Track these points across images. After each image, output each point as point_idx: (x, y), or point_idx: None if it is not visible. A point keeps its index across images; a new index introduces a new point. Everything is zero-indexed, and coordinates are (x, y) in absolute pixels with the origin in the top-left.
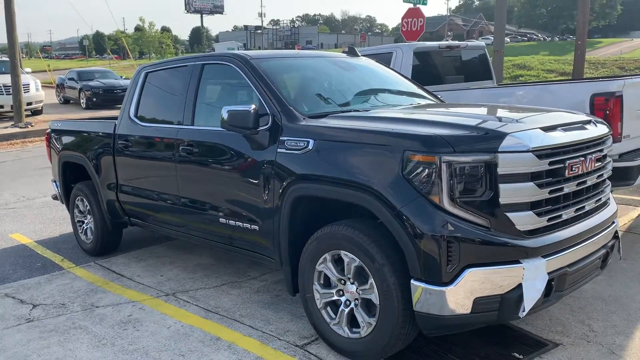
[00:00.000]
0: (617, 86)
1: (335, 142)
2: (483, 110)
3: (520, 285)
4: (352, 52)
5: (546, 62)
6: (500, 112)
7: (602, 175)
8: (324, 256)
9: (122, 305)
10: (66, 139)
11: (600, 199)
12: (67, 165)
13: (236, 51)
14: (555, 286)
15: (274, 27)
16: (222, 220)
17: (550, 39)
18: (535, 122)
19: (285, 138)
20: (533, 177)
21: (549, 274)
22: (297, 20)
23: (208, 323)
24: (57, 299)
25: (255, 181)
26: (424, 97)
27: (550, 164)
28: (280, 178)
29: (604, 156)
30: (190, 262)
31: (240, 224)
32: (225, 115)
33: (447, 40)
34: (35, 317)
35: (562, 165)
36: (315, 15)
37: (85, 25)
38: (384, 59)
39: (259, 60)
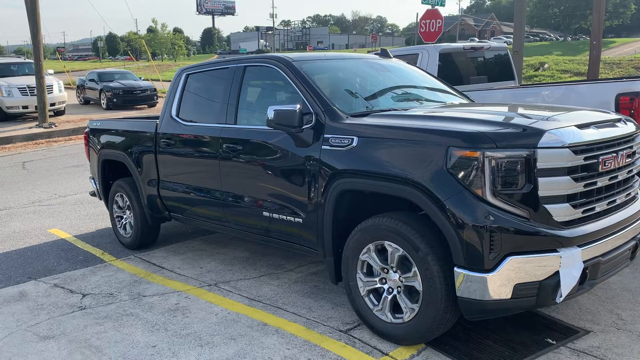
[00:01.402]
0: None
1: (380, 139)
2: (518, 109)
3: (557, 273)
4: (384, 54)
5: (560, 62)
6: (535, 111)
7: (631, 170)
8: (367, 246)
9: (168, 294)
10: (105, 138)
11: (629, 193)
12: (107, 163)
13: (276, 53)
14: (589, 274)
15: (285, 28)
16: (265, 213)
17: (562, 38)
18: (570, 120)
19: (329, 136)
20: (569, 171)
21: (583, 262)
22: (308, 20)
23: (253, 310)
24: (104, 289)
25: (300, 176)
26: (455, 96)
27: (585, 159)
28: (324, 173)
29: (634, 152)
30: (226, 255)
31: (283, 217)
32: (271, 115)
33: (478, 42)
34: (86, 305)
35: (596, 160)
36: (326, 15)
37: (98, 26)
38: (411, 59)
39: (301, 62)
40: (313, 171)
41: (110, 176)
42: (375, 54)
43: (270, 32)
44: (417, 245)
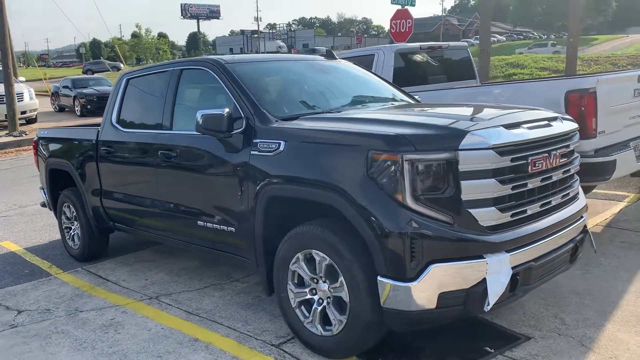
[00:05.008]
0: (590, 83)
1: (304, 143)
2: (452, 110)
3: (484, 280)
4: (329, 55)
5: (539, 60)
6: (467, 111)
7: (568, 170)
8: (296, 256)
9: (106, 309)
10: (52, 147)
11: (567, 193)
12: (54, 173)
13: (212, 56)
14: (521, 280)
15: (271, 31)
16: (200, 223)
17: (546, 37)
18: (499, 120)
19: (258, 140)
20: (495, 173)
21: (513, 268)
22: (293, 23)
23: (188, 325)
24: (42, 304)
25: (230, 184)
26: (399, 98)
27: (512, 160)
28: (253, 180)
29: (571, 152)
30: (175, 265)
31: (217, 226)
32: (199, 119)
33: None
34: (19, 322)
35: (524, 161)
36: (311, 18)
37: (81, 33)
38: (367, 60)
39: (234, 64)
40: (243, 178)
41: (58, 186)
42: (320, 54)
43: (255, 35)
44: (342, 253)
